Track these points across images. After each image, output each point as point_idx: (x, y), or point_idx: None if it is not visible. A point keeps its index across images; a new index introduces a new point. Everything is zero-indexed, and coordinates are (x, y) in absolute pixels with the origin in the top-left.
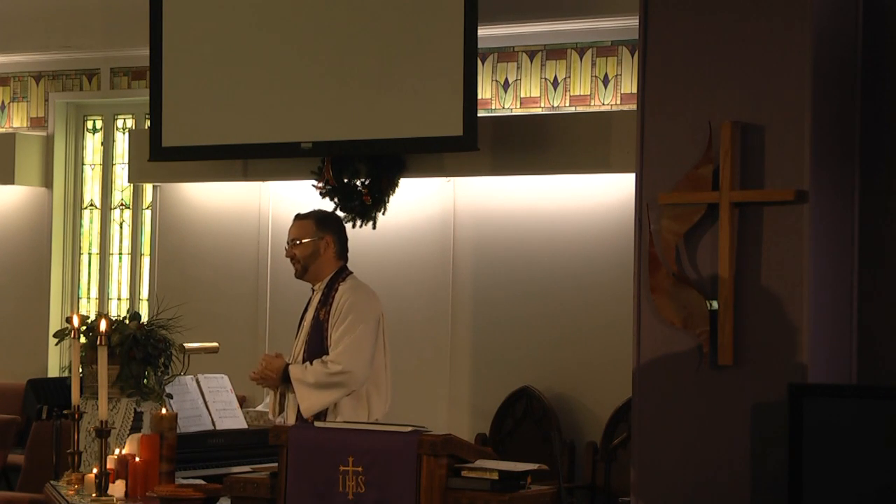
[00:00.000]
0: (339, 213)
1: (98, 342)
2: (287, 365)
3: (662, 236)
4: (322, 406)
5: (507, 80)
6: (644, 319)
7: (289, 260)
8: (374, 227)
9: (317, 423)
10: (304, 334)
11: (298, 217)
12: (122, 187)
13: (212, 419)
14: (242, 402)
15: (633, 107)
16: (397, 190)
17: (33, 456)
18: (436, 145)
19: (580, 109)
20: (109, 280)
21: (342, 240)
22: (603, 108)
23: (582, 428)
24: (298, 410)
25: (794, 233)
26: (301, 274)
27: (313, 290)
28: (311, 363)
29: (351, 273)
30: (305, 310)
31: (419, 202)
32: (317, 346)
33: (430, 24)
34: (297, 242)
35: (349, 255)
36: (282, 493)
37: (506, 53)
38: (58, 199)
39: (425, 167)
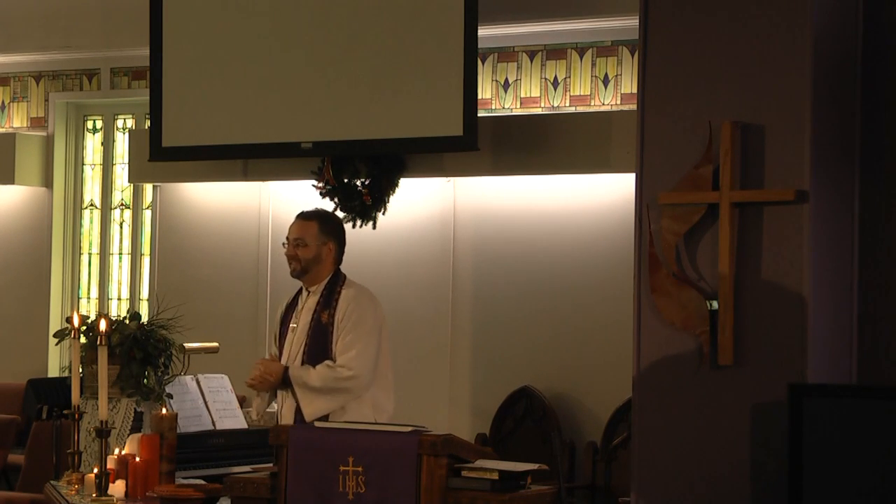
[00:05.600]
0: (339, 214)
1: (98, 342)
2: (286, 368)
3: (662, 236)
4: (326, 410)
5: (507, 80)
6: (644, 319)
7: (286, 256)
8: (374, 227)
9: (317, 423)
10: (301, 336)
11: (302, 216)
12: (122, 187)
13: (212, 419)
14: (242, 402)
15: (633, 107)
16: (397, 190)
17: (33, 456)
18: (436, 145)
19: (580, 109)
20: (109, 280)
21: (342, 246)
22: (603, 108)
23: (582, 428)
24: (297, 413)
25: (794, 233)
26: (299, 274)
27: (308, 292)
28: (314, 367)
29: (346, 277)
30: (290, 310)
31: (419, 202)
32: (320, 349)
33: (430, 24)
34: (301, 244)
35: (347, 256)
36: (282, 493)
37: (506, 53)
38: (58, 199)
39: (425, 167)
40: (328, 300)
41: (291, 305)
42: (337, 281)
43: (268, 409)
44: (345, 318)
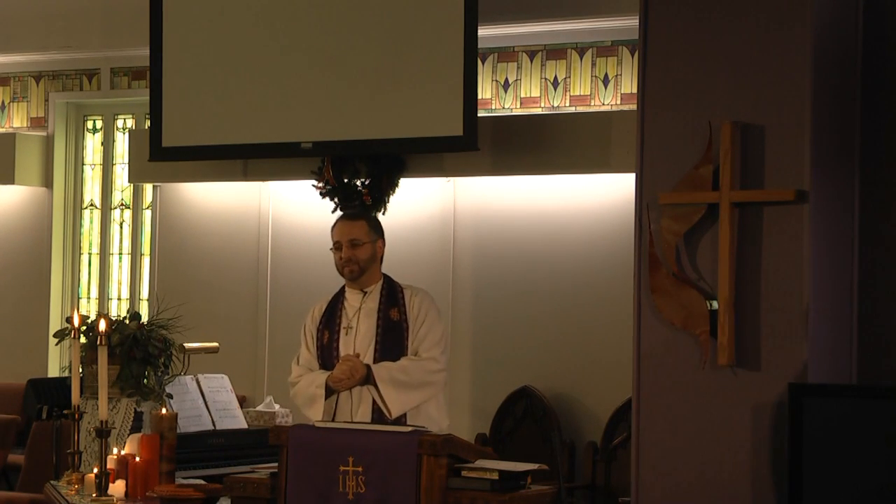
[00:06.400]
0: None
1: (98, 342)
2: (368, 365)
3: (662, 236)
4: (415, 404)
5: (507, 80)
6: (644, 319)
7: (340, 260)
8: None
9: (317, 423)
10: (367, 336)
11: (348, 217)
12: (122, 187)
13: (212, 419)
14: (242, 402)
15: (633, 107)
16: (397, 190)
17: (33, 456)
18: (436, 145)
19: (580, 109)
20: (109, 280)
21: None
22: (603, 108)
23: (582, 428)
24: (375, 411)
25: (794, 233)
26: (357, 276)
27: (364, 293)
28: (394, 363)
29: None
30: (333, 313)
31: (419, 202)
32: (395, 347)
33: (430, 24)
34: (358, 244)
35: None
36: (282, 493)
37: (506, 53)
38: (58, 199)
39: (425, 167)
40: (393, 299)
41: (334, 306)
42: (393, 282)
43: (265, 410)
44: (419, 317)
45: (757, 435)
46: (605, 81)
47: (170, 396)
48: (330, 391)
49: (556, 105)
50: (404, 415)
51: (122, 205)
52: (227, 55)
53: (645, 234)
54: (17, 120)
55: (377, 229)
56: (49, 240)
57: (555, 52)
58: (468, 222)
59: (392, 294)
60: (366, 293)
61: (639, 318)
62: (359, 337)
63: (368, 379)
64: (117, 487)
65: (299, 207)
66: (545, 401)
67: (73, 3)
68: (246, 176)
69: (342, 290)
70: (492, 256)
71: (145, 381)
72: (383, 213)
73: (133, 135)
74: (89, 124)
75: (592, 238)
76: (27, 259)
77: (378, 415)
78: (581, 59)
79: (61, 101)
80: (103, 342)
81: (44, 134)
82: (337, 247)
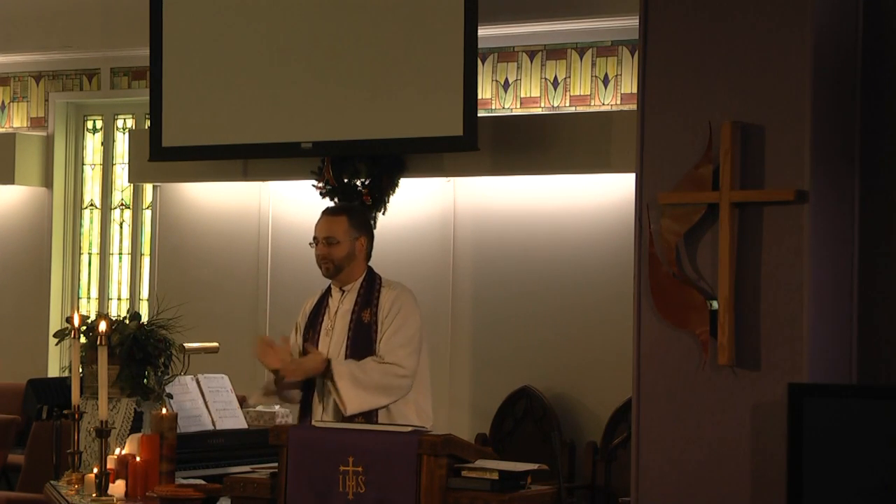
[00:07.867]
0: None
1: (98, 342)
2: (329, 360)
3: (662, 236)
4: (372, 406)
5: (507, 80)
6: (644, 319)
7: (316, 257)
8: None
9: (316, 423)
10: (340, 338)
11: (330, 212)
12: (122, 187)
13: (212, 419)
14: (242, 402)
15: (633, 107)
16: (397, 190)
17: (33, 456)
18: (436, 145)
19: (580, 109)
20: (109, 280)
21: (372, 239)
22: (603, 108)
23: (582, 428)
24: (336, 411)
25: (794, 233)
26: (333, 274)
27: (343, 291)
28: (359, 362)
29: (381, 276)
30: (319, 310)
31: (419, 202)
32: (363, 349)
33: (430, 24)
34: (333, 242)
35: None
36: (282, 493)
37: (506, 53)
38: (58, 199)
39: (425, 167)
40: (367, 299)
41: (320, 304)
42: (373, 280)
43: (265, 410)
44: (389, 315)
45: (757, 435)
46: (605, 81)
47: (170, 396)
48: (307, 388)
49: (556, 105)
50: (376, 414)
51: (122, 205)
52: (227, 55)
53: (645, 234)
54: (17, 120)
55: (359, 226)
56: (49, 240)
57: (555, 52)
58: (468, 222)
59: (369, 293)
60: (344, 292)
61: (639, 318)
62: (334, 340)
63: (328, 373)
64: (117, 487)
65: (299, 207)
66: (545, 401)
67: (73, 3)
68: (246, 176)
69: (329, 288)
70: (492, 256)
71: (145, 381)
72: (383, 213)
73: (133, 135)
74: (89, 124)
75: (592, 238)
76: (27, 259)
77: (338, 414)
78: (581, 59)
79: (61, 101)
80: (103, 342)
81: (44, 134)
82: (316, 242)
